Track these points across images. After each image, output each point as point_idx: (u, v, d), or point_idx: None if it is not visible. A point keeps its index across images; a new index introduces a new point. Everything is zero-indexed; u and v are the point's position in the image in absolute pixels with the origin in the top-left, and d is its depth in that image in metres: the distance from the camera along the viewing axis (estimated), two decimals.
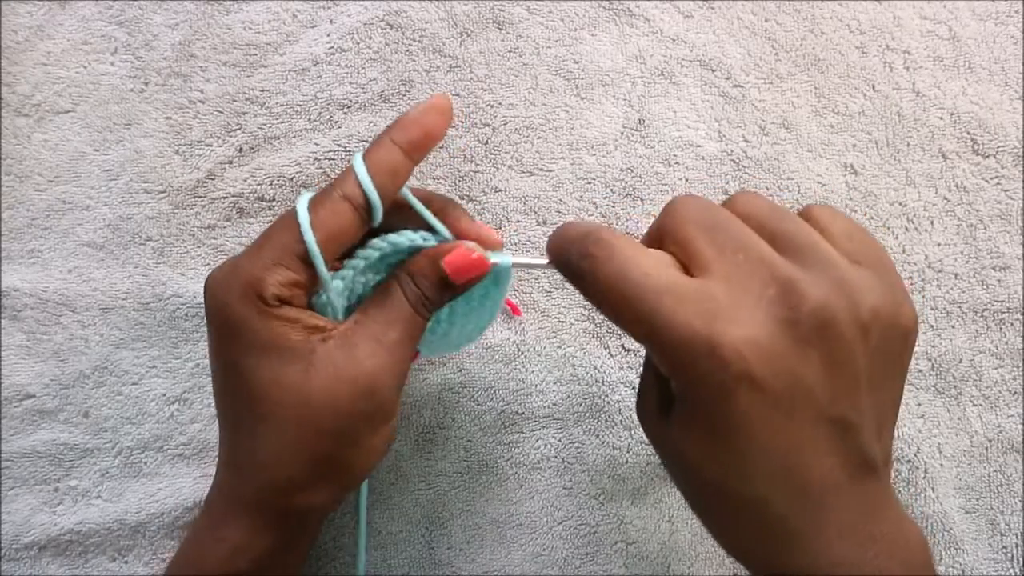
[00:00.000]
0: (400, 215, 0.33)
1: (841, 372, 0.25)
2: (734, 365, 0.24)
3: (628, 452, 0.42)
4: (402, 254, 0.33)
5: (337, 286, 0.32)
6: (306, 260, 0.30)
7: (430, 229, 0.33)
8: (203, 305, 0.43)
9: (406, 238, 0.32)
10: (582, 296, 0.29)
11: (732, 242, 0.26)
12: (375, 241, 0.32)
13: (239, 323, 0.30)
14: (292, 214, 0.31)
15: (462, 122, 0.43)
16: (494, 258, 0.32)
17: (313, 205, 0.31)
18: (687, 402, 0.26)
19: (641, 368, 0.42)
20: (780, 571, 0.27)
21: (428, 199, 0.34)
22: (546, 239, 0.41)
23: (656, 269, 0.26)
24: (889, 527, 0.27)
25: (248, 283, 0.30)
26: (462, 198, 0.43)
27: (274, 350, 0.30)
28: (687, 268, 0.27)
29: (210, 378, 0.36)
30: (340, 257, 0.32)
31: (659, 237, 0.29)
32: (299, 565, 0.35)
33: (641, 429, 0.42)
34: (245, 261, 0.31)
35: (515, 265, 0.33)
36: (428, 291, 0.32)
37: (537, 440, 0.42)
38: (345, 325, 0.32)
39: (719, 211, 0.28)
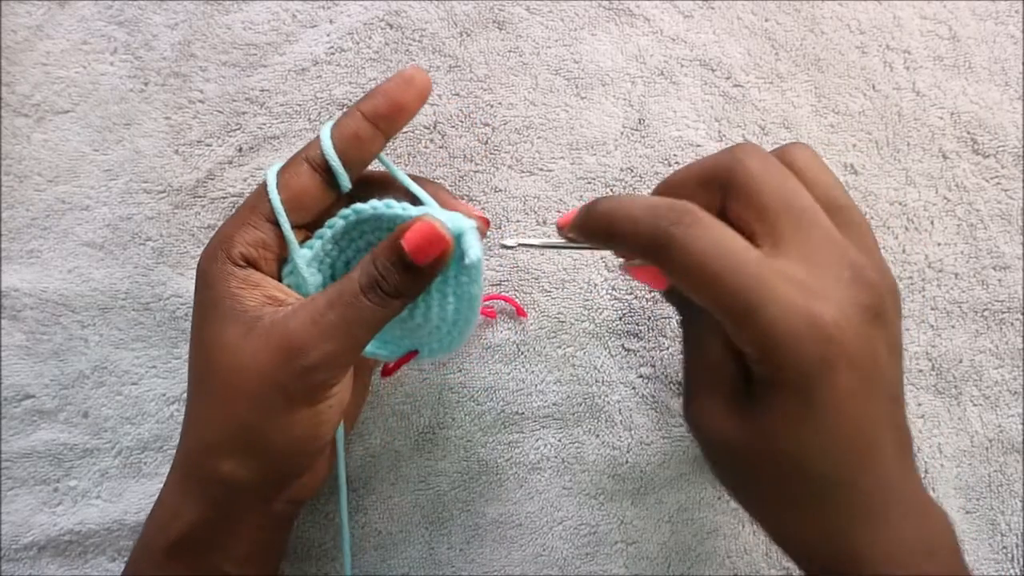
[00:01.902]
0: (386, 193, 0.33)
1: (896, 353, 0.28)
2: (835, 341, 0.25)
3: (628, 452, 0.42)
4: (377, 227, 0.32)
5: (304, 254, 0.32)
6: (272, 219, 0.31)
7: (414, 202, 0.32)
8: None
9: (369, 206, 0.32)
10: (664, 269, 0.27)
11: (806, 218, 0.27)
12: (341, 210, 0.32)
13: (205, 281, 0.31)
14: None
15: (462, 122, 0.43)
16: (461, 223, 0.30)
17: (281, 170, 0.32)
18: (778, 382, 0.26)
19: (642, 367, 0.42)
20: (849, 554, 0.27)
21: (412, 178, 0.33)
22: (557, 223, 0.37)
23: (748, 245, 0.26)
24: (933, 506, 0.29)
25: (219, 242, 0.31)
26: (462, 198, 0.43)
27: (225, 311, 0.31)
28: (753, 235, 0.27)
29: None
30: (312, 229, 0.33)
31: (721, 185, 0.28)
32: (240, 553, 0.33)
33: (639, 430, 0.42)
34: (224, 224, 0.32)
35: (521, 245, 0.33)
36: (386, 273, 0.30)
37: (537, 440, 0.42)
38: (301, 301, 0.31)
39: (788, 178, 0.28)
